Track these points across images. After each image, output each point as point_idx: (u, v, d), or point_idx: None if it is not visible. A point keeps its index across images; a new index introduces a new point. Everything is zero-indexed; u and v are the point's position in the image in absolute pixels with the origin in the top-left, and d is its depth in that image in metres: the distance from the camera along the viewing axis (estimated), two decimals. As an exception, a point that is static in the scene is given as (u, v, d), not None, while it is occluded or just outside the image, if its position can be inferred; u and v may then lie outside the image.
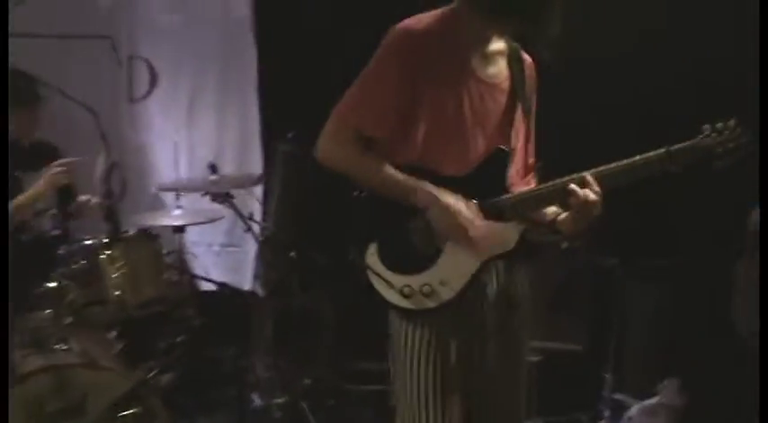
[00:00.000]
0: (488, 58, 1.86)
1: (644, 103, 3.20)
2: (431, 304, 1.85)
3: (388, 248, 1.87)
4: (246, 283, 3.75)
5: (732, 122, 1.78)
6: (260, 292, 3.49)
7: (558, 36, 1.74)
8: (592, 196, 1.78)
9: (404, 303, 1.86)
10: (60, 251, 2.79)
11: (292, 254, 3.27)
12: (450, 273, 1.85)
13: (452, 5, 1.84)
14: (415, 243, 1.86)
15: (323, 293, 3.51)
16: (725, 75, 3.08)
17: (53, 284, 2.62)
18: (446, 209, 1.79)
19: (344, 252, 1.90)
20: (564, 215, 1.86)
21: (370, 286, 1.88)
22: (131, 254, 2.82)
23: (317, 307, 3.52)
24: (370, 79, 1.82)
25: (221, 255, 3.86)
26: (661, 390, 2.82)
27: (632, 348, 3.18)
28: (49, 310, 2.62)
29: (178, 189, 3.25)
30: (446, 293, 1.85)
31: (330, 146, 1.86)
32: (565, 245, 3.14)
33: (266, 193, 3.70)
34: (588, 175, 1.80)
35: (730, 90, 3.02)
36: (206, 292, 3.60)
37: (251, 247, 3.77)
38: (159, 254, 2.96)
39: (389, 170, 1.83)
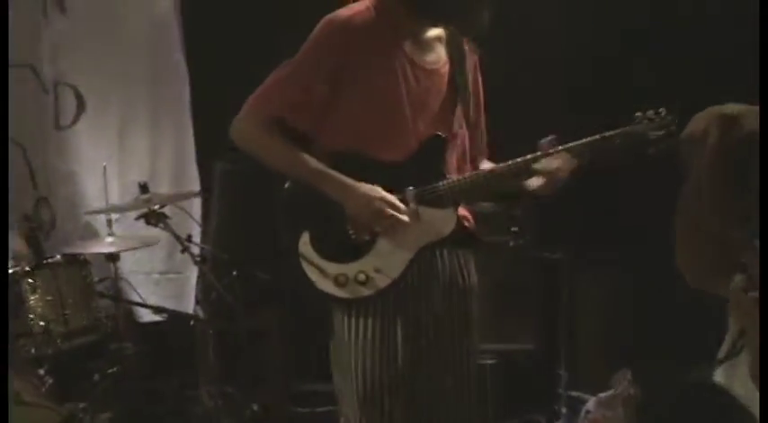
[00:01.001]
0: (425, 43, 1.86)
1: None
2: (366, 292, 1.80)
3: (321, 237, 1.82)
4: (189, 309, 3.60)
5: (662, 110, 1.82)
6: (201, 315, 3.34)
7: (487, 30, 1.77)
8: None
9: (339, 292, 1.81)
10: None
11: (234, 273, 3.17)
12: (385, 260, 1.81)
13: None
14: (349, 232, 1.81)
15: (269, 313, 3.42)
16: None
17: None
18: (360, 199, 1.77)
19: (289, 267, 1.83)
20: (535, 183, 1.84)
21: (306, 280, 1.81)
22: (57, 281, 2.67)
23: (263, 327, 3.41)
24: (294, 68, 1.81)
25: (161, 283, 3.71)
26: (614, 382, 2.80)
27: (584, 343, 3.18)
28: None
29: (108, 211, 3.11)
30: (382, 281, 1.81)
31: (242, 127, 1.83)
32: (511, 243, 3.12)
33: (205, 214, 3.61)
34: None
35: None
36: (146, 322, 3.47)
37: (192, 273, 3.65)
38: (88, 281, 2.82)
39: (302, 158, 1.80)
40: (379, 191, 1.79)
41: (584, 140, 1.82)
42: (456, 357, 1.88)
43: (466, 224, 1.92)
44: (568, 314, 3.12)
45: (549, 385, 3.08)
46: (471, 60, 1.93)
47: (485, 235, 3.20)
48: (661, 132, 1.81)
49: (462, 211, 1.93)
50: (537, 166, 1.82)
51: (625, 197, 3.20)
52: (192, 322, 3.30)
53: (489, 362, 2.98)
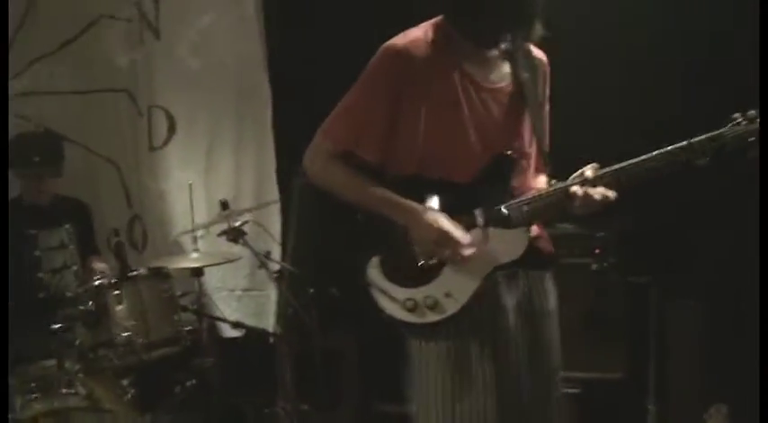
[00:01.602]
0: (487, 62, 1.83)
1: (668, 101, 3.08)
2: (435, 317, 1.77)
3: (390, 262, 1.81)
4: (269, 327, 3.65)
5: (753, 112, 1.70)
6: (282, 333, 3.37)
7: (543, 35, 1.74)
8: (595, 194, 1.72)
9: (407, 317, 1.78)
10: (68, 293, 2.75)
11: (311, 290, 3.17)
12: (454, 284, 1.78)
13: (441, 18, 1.82)
14: (418, 256, 1.79)
15: (345, 332, 3.40)
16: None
17: (57, 326, 2.55)
18: (423, 227, 1.75)
19: (361, 289, 1.83)
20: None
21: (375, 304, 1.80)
22: (140, 293, 2.76)
23: (340, 346, 3.39)
24: (357, 99, 1.82)
25: (243, 299, 3.79)
26: (708, 418, 2.60)
27: (675, 374, 2.97)
28: (52, 359, 2.54)
29: (191, 230, 3.21)
30: (451, 306, 1.77)
31: (312, 162, 1.86)
32: (594, 266, 2.99)
33: (285, 232, 3.65)
34: (589, 172, 1.74)
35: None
36: (228, 338, 3.54)
37: (273, 291, 3.69)
38: (171, 294, 2.90)
39: (369, 188, 1.81)
40: (441, 221, 1.75)
41: (670, 147, 1.71)
42: (534, 383, 1.82)
43: (540, 245, 1.85)
44: (658, 343, 2.94)
45: (636, 418, 2.89)
46: (541, 72, 1.88)
47: (565, 257, 3.09)
48: (750, 138, 1.68)
49: (537, 231, 1.86)
50: (575, 189, 1.74)
51: (722, 217, 3.01)
52: (270, 339, 3.34)
53: (573, 391, 2.84)
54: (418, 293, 1.77)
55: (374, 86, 1.79)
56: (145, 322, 2.72)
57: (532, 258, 1.80)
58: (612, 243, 3.00)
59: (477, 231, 1.78)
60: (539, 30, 1.76)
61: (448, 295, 1.76)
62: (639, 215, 2.61)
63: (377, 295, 1.80)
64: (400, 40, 1.80)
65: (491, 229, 1.77)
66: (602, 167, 1.75)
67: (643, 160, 1.72)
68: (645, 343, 2.98)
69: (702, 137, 1.71)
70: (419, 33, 1.81)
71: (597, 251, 2.98)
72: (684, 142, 1.71)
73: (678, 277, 3.06)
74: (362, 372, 3.41)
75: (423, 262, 1.78)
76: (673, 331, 3.00)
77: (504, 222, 1.78)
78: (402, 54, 1.77)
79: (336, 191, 1.84)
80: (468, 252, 1.74)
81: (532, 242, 1.80)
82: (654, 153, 1.72)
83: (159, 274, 2.89)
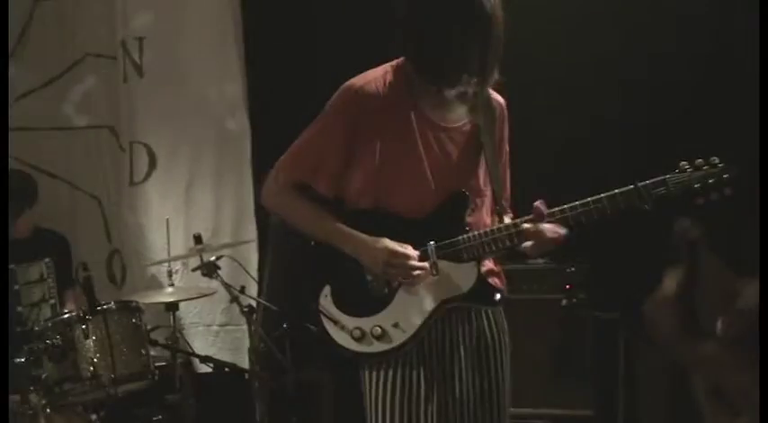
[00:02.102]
0: (445, 103, 1.87)
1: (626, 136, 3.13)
2: (381, 347, 1.80)
3: (341, 291, 1.85)
4: (245, 363, 3.62)
5: (714, 159, 1.74)
6: (254, 370, 3.35)
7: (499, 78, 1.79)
8: (546, 232, 1.76)
9: (353, 346, 1.82)
10: (36, 327, 2.74)
11: (284, 325, 3.16)
12: (403, 315, 1.80)
13: (401, 59, 1.88)
14: (369, 285, 1.83)
15: (321, 366, 3.38)
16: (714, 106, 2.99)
17: (20, 360, 2.54)
18: (370, 252, 1.78)
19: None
20: (527, 244, 1.82)
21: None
22: (108, 327, 2.75)
23: (315, 381, 3.37)
24: (313, 135, 1.88)
25: (220, 334, 3.78)
26: (679, 454, 2.56)
27: (644, 411, 2.97)
28: (16, 394, 2.53)
29: (162, 262, 3.22)
30: (397, 336, 1.80)
31: (268, 192, 1.95)
32: (564, 302, 2.99)
33: (261, 267, 3.66)
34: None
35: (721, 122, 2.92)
36: (203, 373, 3.51)
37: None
38: (140, 328, 2.89)
39: (321, 219, 1.86)
40: (386, 243, 1.79)
41: (617, 191, 1.76)
42: (482, 419, 1.82)
43: (491, 280, 1.87)
44: (627, 379, 2.94)
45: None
46: (499, 114, 1.92)
47: (535, 292, 3.09)
48: (710, 181, 1.72)
49: (489, 265, 1.88)
50: (526, 226, 1.77)
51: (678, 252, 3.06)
52: (246, 375, 3.31)
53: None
54: (367, 323, 1.80)
55: (331, 122, 1.85)
56: (112, 356, 2.71)
57: (481, 293, 1.82)
58: (583, 279, 3.01)
59: (428, 265, 1.80)
60: (495, 75, 1.81)
61: (396, 326, 1.79)
62: (608, 251, 2.62)
63: (326, 324, 1.83)
64: (359, 79, 1.85)
65: (442, 263, 1.80)
66: (551, 207, 1.78)
67: (589, 202, 1.76)
68: (614, 380, 2.98)
69: (647, 182, 1.75)
70: (378, 73, 1.86)
71: (567, 287, 2.99)
72: (630, 186, 1.75)
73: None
74: (339, 407, 3.38)
75: (373, 290, 1.80)
76: (642, 368, 3.00)
77: (455, 256, 1.80)
78: (359, 92, 1.82)
79: (289, 220, 1.90)
80: (418, 271, 1.77)
81: (482, 277, 1.82)
82: (601, 196, 1.75)
83: (128, 308, 2.89)
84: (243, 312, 3.04)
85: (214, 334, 3.77)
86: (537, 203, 1.78)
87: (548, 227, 1.76)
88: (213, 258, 3.11)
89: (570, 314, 3.00)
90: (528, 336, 2.76)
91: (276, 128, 3.73)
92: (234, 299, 3.05)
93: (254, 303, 3.21)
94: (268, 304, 3.20)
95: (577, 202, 1.77)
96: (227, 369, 3.21)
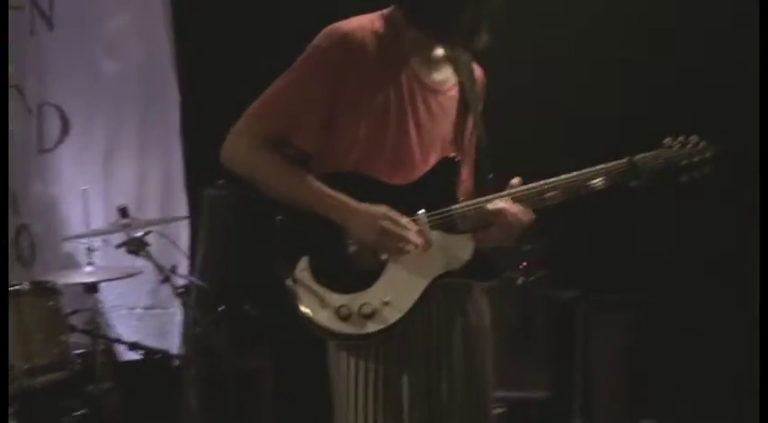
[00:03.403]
0: (434, 63, 1.72)
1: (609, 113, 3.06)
2: (373, 327, 1.59)
3: (322, 264, 1.62)
4: (174, 348, 3.35)
5: (695, 137, 1.68)
6: (188, 355, 3.08)
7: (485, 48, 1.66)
8: (510, 208, 1.64)
9: (340, 327, 1.59)
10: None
11: (221, 308, 2.91)
12: (394, 291, 1.61)
13: (390, 9, 1.69)
14: (353, 257, 1.62)
15: (260, 353, 3.17)
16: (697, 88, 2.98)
17: None
18: (364, 218, 1.59)
19: (284, 303, 1.62)
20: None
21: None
22: (22, 312, 2.41)
23: (254, 369, 3.15)
24: (294, 80, 1.64)
25: (144, 318, 3.50)
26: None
27: (602, 391, 2.92)
28: None
29: (83, 236, 2.90)
30: (392, 314, 1.60)
31: (236, 145, 1.64)
32: (520, 280, 2.89)
33: (193, 245, 3.40)
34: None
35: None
36: (126, 361, 3.22)
37: (179, 309, 3.39)
38: (58, 312, 2.56)
39: (306, 180, 1.63)
40: (384, 209, 1.60)
41: (611, 164, 1.66)
42: (472, 408, 1.68)
43: (485, 253, 1.69)
44: (584, 359, 2.91)
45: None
46: (480, 83, 1.79)
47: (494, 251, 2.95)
48: (696, 159, 1.66)
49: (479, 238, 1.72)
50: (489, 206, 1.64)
51: (652, 233, 3.02)
52: (175, 362, 3.05)
53: (498, 410, 2.73)
54: (354, 300, 1.59)
55: (315, 69, 1.62)
56: (27, 344, 2.38)
57: (480, 267, 1.66)
58: (540, 256, 2.93)
59: (418, 233, 1.62)
60: (484, 39, 1.65)
61: (387, 303, 1.59)
62: (567, 229, 2.52)
63: (305, 299, 1.59)
64: (346, 24, 1.65)
65: (434, 234, 1.63)
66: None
67: (575, 176, 1.65)
68: (571, 360, 2.94)
69: (644, 155, 1.66)
70: (365, 20, 1.67)
71: (524, 265, 2.89)
72: (625, 159, 1.65)
73: (605, 292, 2.99)
74: (279, 396, 3.19)
75: (360, 263, 1.60)
76: (599, 347, 2.96)
77: (450, 226, 1.64)
78: (348, 38, 1.62)
79: (261, 180, 1.64)
80: (418, 240, 1.59)
81: (480, 249, 1.67)
82: (586, 170, 1.65)
83: (44, 290, 2.57)
84: (177, 294, 2.77)
85: (138, 318, 3.49)
86: (514, 181, 1.66)
87: (513, 209, 1.63)
88: (140, 234, 2.82)
89: (527, 293, 2.91)
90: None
91: (209, 92, 3.49)
92: (166, 279, 2.76)
93: (187, 284, 2.95)
94: (202, 284, 2.94)
95: (563, 176, 1.65)
96: (157, 355, 2.93)
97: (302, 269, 1.60)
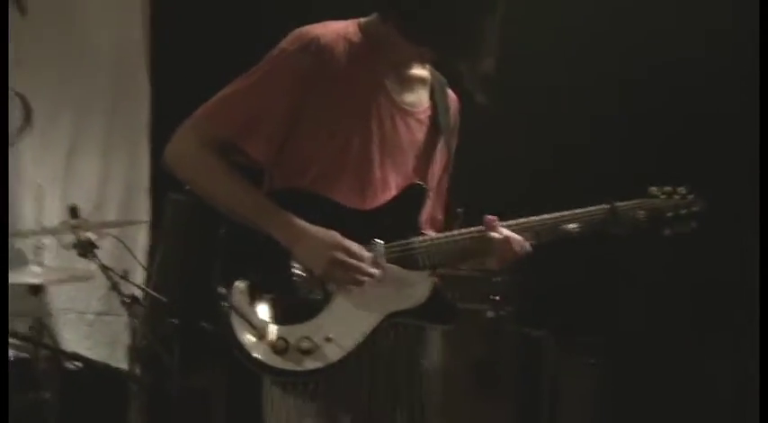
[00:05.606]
0: (407, 82, 1.59)
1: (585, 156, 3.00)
2: (311, 365, 1.45)
3: (262, 288, 1.48)
4: (123, 359, 3.18)
5: (683, 189, 1.60)
6: (133, 370, 2.91)
7: (492, 76, 1.52)
8: (515, 244, 1.53)
9: (275, 361, 1.45)
10: None
11: (174, 321, 2.75)
12: (338, 327, 1.47)
13: (369, 18, 1.57)
14: (297, 285, 1.48)
15: (212, 371, 3.00)
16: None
17: None
18: (314, 244, 1.46)
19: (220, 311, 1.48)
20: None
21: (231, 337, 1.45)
22: (-49, 313, 2.22)
23: (204, 387, 2.99)
24: (253, 83, 1.51)
25: (95, 324, 3.33)
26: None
27: None
28: None
29: (33, 234, 2.77)
30: (333, 353, 1.46)
31: (179, 146, 1.53)
32: (490, 314, 2.77)
33: (152, 252, 3.26)
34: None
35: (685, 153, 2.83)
36: (71, 370, 3.05)
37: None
38: (-6, 316, 2.37)
39: (249, 189, 1.50)
40: (337, 236, 1.47)
41: (591, 208, 1.57)
42: None
43: (444, 293, 1.58)
44: (550, 400, 2.80)
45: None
46: (454, 109, 1.67)
47: (459, 301, 2.83)
48: (682, 212, 1.59)
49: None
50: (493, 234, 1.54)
51: (626, 277, 2.97)
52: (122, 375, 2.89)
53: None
54: (293, 332, 1.45)
55: (278, 72, 1.50)
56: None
57: (436, 309, 1.53)
58: (512, 290, 2.82)
59: (379, 270, 1.50)
60: (490, 62, 1.52)
61: (329, 340, 1.46)
62: (542, 267, 2.42)
63: (238, 328, 1.45)
64: (317, 28, 1.52)
65: (391, 268, 1.50)
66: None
67: (562, 216, 1.55)
68: (537, 399, 2.84)
69: (625, 203, 1.57)
70: (339, 27, 1.54)
71: (495, 298, 2.76)
72: (606, 205, 1.56)
73: (575, 334, 2.91)
74: (231, 419, 3.02)
75: (303, 293, 1.48)
76: (566, 388, 2.88)
77: (408, 261, 1.51)
78: (318, 43, 1.49)
79: (202, 187, 1.51)
80: (372, 273, 1.46)
81: (438, 289, 1.54)
82: (575, 211, 1.56)
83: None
84: (124, 303, 2.60)
85: (88, 323, 3.33)
86: (488, 217, 1.55)
87: (518, 237, 1.52)
88: (91, 236, 2.66)
89: (496, 327, 2.78)
90: (448, 347, 2.50)
91: (184, 90, 3.34)
92: (114, 285, 2.60)
93: (138, 293, 2.79)
94: (156, 295, 2.78)
95: (544, 216, 1.56)
96: (98, 368, 2.76)
97: (239, 292, 1.46)
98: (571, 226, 1.54)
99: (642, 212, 1.56)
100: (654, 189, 1.60)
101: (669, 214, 1.57)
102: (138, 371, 2.72)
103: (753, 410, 1.89)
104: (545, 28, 3.03)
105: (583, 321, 2.89)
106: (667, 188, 1.60)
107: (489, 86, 1.54)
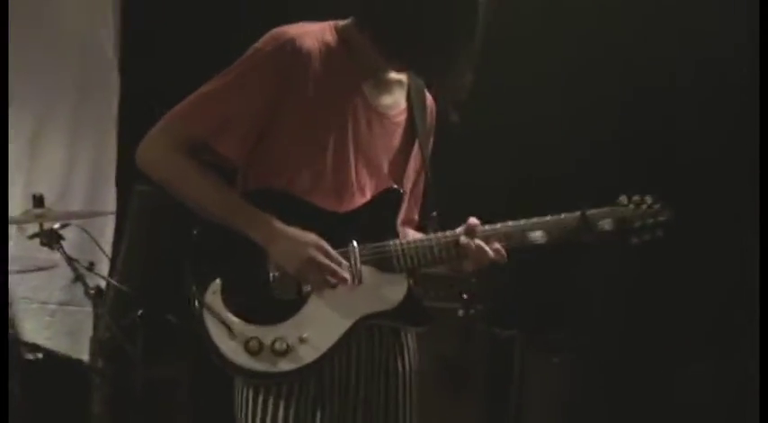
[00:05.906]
0: (384, 84, 1.60)
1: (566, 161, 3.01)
2: (286, 366, 1.46)
3: (236, 288, 1.47)
4: (85, 351, 3.14)
5: (649, 198, 1.62)
6: (95, 361, 2.88)
7: (466, 96, 1.53)
8: (490, 251, 1.53)
9: (248, 362, 1.45)
10: None
11: (139, 312, 2.72)
12: (313, 328, 1.48)
13: (346, 22, 1.56)
14: (272, 286, 1.48)
15: (178, 363, 2.98)
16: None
17: None
18: (289, 244, 1.46)
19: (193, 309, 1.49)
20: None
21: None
22: None
23: (168, 379, 2.96)
24: (228, 83, 1.50)
25: (57, 314, 3.26)
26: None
27: None
28: None
29: None
30: (307, 354, 1.47)
31: (151, 147, 1.51)
32: (461, 312, 2.78)
33: (117, 243, 3.20)
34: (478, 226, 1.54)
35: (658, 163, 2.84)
36: (30, 360, 2.99)
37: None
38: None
39: (223, 189, 1.50)
40: (314, 237, 1.48)
41: (563, 216, 1.58)
42: None
43: (418, 296, 1.58)
44: (518, 400, 2.81)
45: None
46: (431, 110, 1.67)
47: (429, 300, 2.86)
48: (650, 221, 1.60)
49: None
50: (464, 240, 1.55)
51: (591, 277, 2.96)
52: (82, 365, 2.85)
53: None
54: (267, 333, 1.45)
55: (254, 72, 1.49)
56: None
57: (411, 311, 1.54)
58: (482, 289, 2.82)
59: (349, 267, 1.50)
60: (465, 85, 1.52)
61: (303, 341, 1.46)
62: (510, 264, 2.44)
63: (211, 328, 1.45)
64: (294, 29, 1.52)
65: (366, 270, 1.51)
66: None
67: (533, 223, 1.56)
68: (505, 398, 2.85)
69: (594, 211, 1.58)
70: (316, 28, 1.54)
71: (465, 296, 2.77)
72: (578, 213, 1.57)
73: (545, 334, 2.93)
74: (196, 412, 3.01)
75: (278, 293, 1.47)
76: (535, 388, 2.89)
77: (384, 264, 1.51)
78: (294, 44, 1.49)
79: (176, 186, 1.50)
80: (347, 275, 1.47)
81: (413, 291, 1.55)
82: (546, 218, 1.57)
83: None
84: (88, 294, 2.57)
85: (50, 314, 3.26)
86: (471, 220, 1.55)
87: (495, 246, 1.53)
88: (56, 226, 2.62)
89: (466, 326, 2.79)
90: (419, 346, 2.49)
91: (155, 77, 3.30)
92: (78, 277, 2.57)
93: (103, 284, 2.76)
94: (121, 286, 2.75)
95: (522, 222, 1.56)
96: (58, 360, 2.72)
97: (213, 292, 1.45)
98: (540, 233, 1.54)
99: (609, 221, 1.58)
100: (623, 198, 1.62)
101: (637, 224, 1.59)
102: (100, 363, 2.70)
103: (753, 410, 1.92)
104: (526, 37, 3.01)
105: (551, 322, 2.91)
106: (636, 197, 1.62)
107: (462, 106, 1.56)
